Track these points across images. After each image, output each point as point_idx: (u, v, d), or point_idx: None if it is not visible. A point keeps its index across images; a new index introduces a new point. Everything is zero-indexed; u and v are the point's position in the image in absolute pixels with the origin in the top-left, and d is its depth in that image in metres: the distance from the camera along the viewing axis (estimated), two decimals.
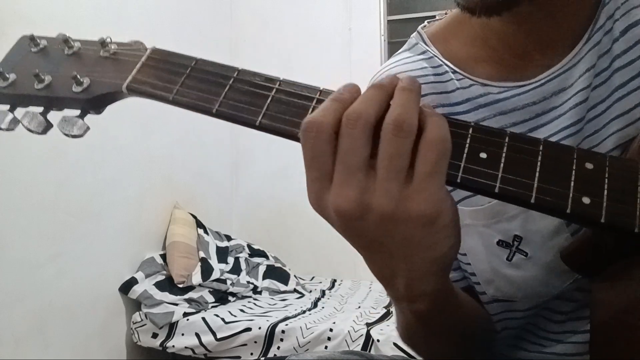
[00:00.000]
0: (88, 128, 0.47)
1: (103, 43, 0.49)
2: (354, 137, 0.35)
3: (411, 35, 0.64)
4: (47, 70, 0.48)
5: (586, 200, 0.35)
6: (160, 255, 2.39)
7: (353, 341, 1.93)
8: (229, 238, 2.76)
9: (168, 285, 2.24)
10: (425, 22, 0.65)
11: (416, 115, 0.35)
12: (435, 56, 0.60)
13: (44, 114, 0.48)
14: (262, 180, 3.13)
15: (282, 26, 3.11)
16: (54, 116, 0.48)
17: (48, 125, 0.48)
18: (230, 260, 2.58)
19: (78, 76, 0.47)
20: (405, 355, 0.73)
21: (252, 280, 2.57)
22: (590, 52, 0.53)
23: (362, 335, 1.93)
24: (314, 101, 0.40)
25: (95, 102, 0.47)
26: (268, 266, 2.70)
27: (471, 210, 0.54)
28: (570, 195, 0.35)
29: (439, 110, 0.57)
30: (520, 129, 0.54)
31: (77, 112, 0.47)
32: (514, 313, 0.56)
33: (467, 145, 0.37)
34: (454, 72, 0.58)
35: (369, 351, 1.85)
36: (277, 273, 2.68)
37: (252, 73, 0.43)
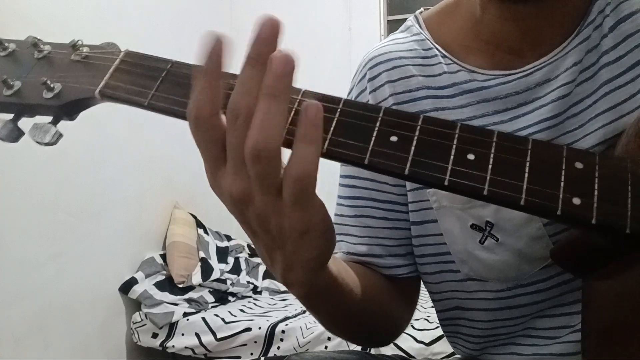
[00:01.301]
0: (61, 135, 0.44)
1: (74, 46, 0.46)
2: (237, 132, 0.35)
3: (408, 18, 0.65)
4: (16, 75, 0.46)
5: (577, 201, 0.35)
6: (160, 255, 2.39)
7: None
8: (229, 238, 2.76)
9: (168, 285, 2.24)
10: (422, 8, 0.66)
11: (279, 140, 0.34)
12: (427, 39, 0.61)
13: (14, 121, 0.46)
14: None
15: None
16: (26, 123, 0.46)
17: (20, 133, 0.46)
18: (230, 260, 2.58)
19: (48, 82, 0.44)
20: (404, 355, 0.73)
21: (252, 280, 2.57)
22: (578, 46, 0.53)
23: None
24: (296, 103, 0.39)
25: (68, 109, 0.45)
26: None
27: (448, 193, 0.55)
28: (561, 196, 0.35)
29: (422, 92, 0.58)
30: (501, 117, 0.55)
31: (49, 118, 0.45)
32: (487, 293, 0.58)
33: (454, 146, 0.36)
34: (444, 56, 0.59)
35: (369, 351, 1.85)
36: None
37: (232, 75, 0.41)
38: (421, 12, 0.65)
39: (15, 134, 0.46)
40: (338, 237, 0.64)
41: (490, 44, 0.57)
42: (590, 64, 0.53)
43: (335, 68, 2.87)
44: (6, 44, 0.48)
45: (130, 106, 0.43)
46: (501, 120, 0.55)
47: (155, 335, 2.10)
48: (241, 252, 2.70)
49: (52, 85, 0.45)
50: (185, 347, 2.06)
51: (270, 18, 0.35)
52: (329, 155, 0.37)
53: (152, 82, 0.42)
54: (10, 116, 0.46)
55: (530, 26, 0.54)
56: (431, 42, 0.60)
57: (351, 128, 0.37)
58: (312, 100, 0.35)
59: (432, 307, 0.66)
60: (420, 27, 0.63)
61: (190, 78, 0.40)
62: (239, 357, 2.02)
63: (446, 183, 0.36)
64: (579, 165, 0.36)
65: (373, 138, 0.37)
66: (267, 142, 0.33)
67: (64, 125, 0.46)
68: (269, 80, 0.34)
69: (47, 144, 0.44)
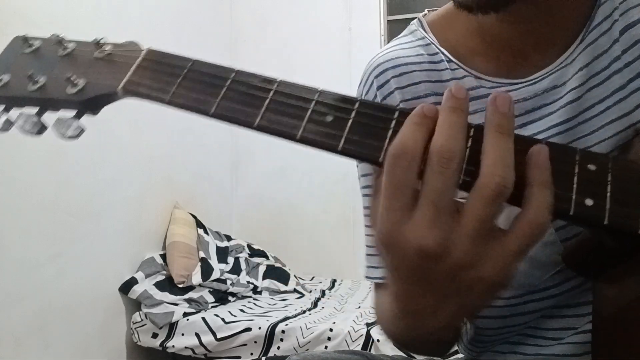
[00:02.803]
0: (83, 130, 0.46)
1: (97, 44, 0.48)
2: (446, 178, 0.33)
3: (411, 22, 0.64)
4: (41, 71, 0.48)
5: (589, 202, 0.35)
6: (160, 255, 2.39)
7: (353, 341, 1.93)
8: (229, 238, 2.76)
9: (168, 285, 2.24)
10: (426, 10, 0.65)
11: (513, 175, 0.33)
12: (433, 43, 0.60)
13: (38, 115, 0.47)
14: (262, 180, 3.13)
15: (282, 26, 3.11)
16: (50, 117, 0.48)
17: (43, 127, 0.47)
18: (230, 260, 2.58)
19: (72, 78, 0.46)
20: (405, 355, 0.73)
21: (252, 280, 2.57)
22: (584, 51, 0.53)
23: (362, 335, 1.93)
24: (313, 103, 0.40)
25: (91, 104, 0.46)
26: (268, 266, 2.70)
27: (459, 198, 0.55)
28: (573, 197, 0.35)
29: (431, 98, 0.58)
30: None
31: (73, 113, 0.47)
32: (497, 301, 0.57)
33: (468, 148, 0.36)
34: (449, 61, 0.58)
35: (369, 351, 1.85)
36: (277, 273, 2.68)
37: (250, 74, 0.42)
38: (425, 15, 0.64)
39: (39, 128, 0.47)
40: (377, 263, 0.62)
41: (493, 47, 0.56)
42: (601, 68, 0.52)
43: (335, 68, 2.87)
44: (31, 41, 0.50)
45: (151, 102, 0.44)
46: None
47: (155, 335, 2.10)
48: (241, 252, 2.70)
49: (75, 81, 0.46)
50: (185, 347, 2.06)
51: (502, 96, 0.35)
52: (344, 152, 0.37)
53: (173, 79, 0.43)
54: (34, 110, 0.48)
55: (530, 28, 0.54)
56: (436, 47, 0.60)
57: (367, 127, 0.38)
58: (542, 145, 0.35)
59: None
60: (425, 30, 0.62)
61: (210, 76, 0.42)
62: (239, 357, 2.02)
63: (460, 181, 0.36)
64: (591, 167, 0.36)
65: (387, 139, 0.37)
66: (507, 180, 0.33)
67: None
68: (500, 119, 0.34)
69: (70, 138, 0.46)
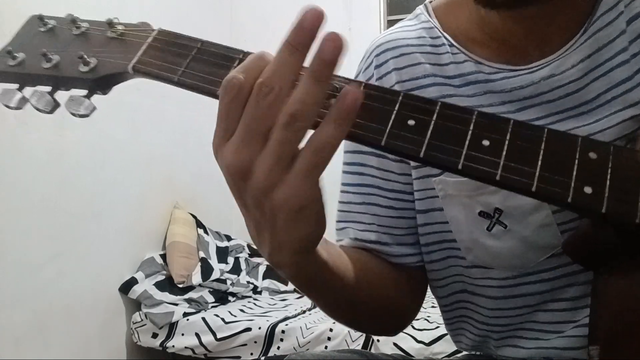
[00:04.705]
0: (95, 108, 0.47)
1: (110, 24, 0.49)
2: (261, 107, 0.36)
3: (417, 7, 0.65)
4: (55, 50, 0.48)
5: (588, 190, 0.35)
6: (160, 255, 2.39)
7: (353, 341, 1.93)
8: (229, 238, 2.76)
9: (168, 285, 2.24)
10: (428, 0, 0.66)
11: (314, 115, 0.36)
12: (436, 27, 0.61)
13: (51, 93, 0.48)
14: None
15: (282, 26, 3.09)
16: (62, 96, 0.48)
17: (56, 105, 0.48)
18: (230, 260, 2.58)
19: (85, 56, 0.47)
20: (405, 355, 0.73)
21: (252, 280, 2.57)
22: (585, 43, 0.53)
23: (362, 334, 1.93)
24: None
25: (102, 82, 0.47)
26: (268, 266, 2.70)
27: (455, 181, 0.56)
28: (572, 184, 0.35)
29: (429, 80, 0.59)
30: (508, 108, 0.55)
31: (84, 92, 0.47)
32: (492, 281, 0.58)
33: (470, 132, 0.37)
34: (451, 45, 0.59)
35: (369, 350, 1.85)
36: (277, 273, 2.67)
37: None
38: (430, 2, 0.65)
39: (52, 105, 0.48)
40: (344, 224, 0.64)
41: (494, 40, 0.57)
42: (605, 59, 0.52)
43: (335, 68, 2.87)
44: (47, 20, 0.51)
45: (160, 82, 0.45)
46: (508, 111, 0.55)
47: (155, 335, 2.10)
48: (241, 252, 2.70)
49: (88, 60, 0.47)
50: (185, 347, 2.06)
51: (314, 9, 0.35)
52: (348, 136, 0.37)
53: (182, 60, 0.44)
54: (48, 88, 0.48)
55: (533, 27, 0.54)
56: (439, 31, 0.60)
57: (370, 110, 0.38)
58: (353, 87, 0.36)
59: (433, 307, 0.66)
60: (429, 15, 0.63)
61: (218, 57, 0.43)
62: (239, 357, 2.02)
63: (460, 167, 0.36)
64: (592, 155, 0.36)
65: (391, 121, 0.37)
66: (305, 114, 0.35)
67: (68, 119, 0.47)
68: (316, 65, 0.35)
69: (81, 116, 0.47)
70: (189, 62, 0.44)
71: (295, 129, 0.35)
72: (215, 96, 0.41)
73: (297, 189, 0.36)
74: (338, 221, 0.66)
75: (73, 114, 0.47)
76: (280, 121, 0.35)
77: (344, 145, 0.66)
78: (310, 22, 0.35)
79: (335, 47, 0.35)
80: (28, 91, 0.48)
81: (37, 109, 0.48)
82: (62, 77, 0.47)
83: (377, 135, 0.37)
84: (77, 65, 0.47)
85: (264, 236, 0.39)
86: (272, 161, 0.35)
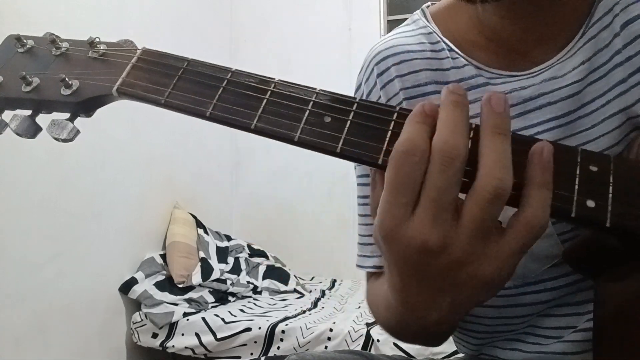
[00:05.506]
0: (78, 132, 0.45)
1: (92, 43, 0.47)
2: (449, 176, 0.33)
3: (414, 12, 0.64)
4: (35, 71, 0.46)
5: (591, 203, 0.35)
6: (160, 255, 2.39)
7: (353, 341, 1.93)
8: (229, 238, 2.76)
9: (168, 285, 2.24)
10: (429, 2, 0.65)
11: (511, 180, 0.33)
12: (434, 32, 0.60)
13: (32, 117, 0.46)
14: (262, 181, 3.13)
15: (282, 26, 3.11)
16: (44, 119, 0.46)
17: (37, 129, 0.46)
18: (230, 260, 2.58)
19: (67, 78, 0.45)
20: (405, 355, 0.73)
21: (252, 280, 2.57)
22: (585, 46, 0.53)
23: (362, 335, 1.93)
24: (311, 104, 0.39)
25: (85, 105, 0.45)
26: (268, 266, 2.70)
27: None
28: (575, 198, 0.35)
29: (431, 87, 0.58)
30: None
31: (67, 115, 0.45)
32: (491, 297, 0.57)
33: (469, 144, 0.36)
34: (450, 50, 0.59)
35: (369, 351, 1.85)
36: (277, 273, 2.68)
37: (246, 74, 0.41)
38: (428, 7, 0.64)
39: (33, 130, 0.46)
40: (367, 257, 0.63)
41: (492, 41, 0.57)
42: (602, 62, 0.52)
43: (335, 68, 2.87)
44: (25, 40, 0.48)
45: (147, 104, 0.43)
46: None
47: (155, 335, 2.10)
48: (241, 252, 2.70)
49: (70, 82, 0.45)
50: (185, 347, 2.06)
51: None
52: (342, 155, 0.37)
53: (169, 80, 0.42)
54: (28, 112, 0.46)
55: (530, 26, 0.54)
56: (438, 36, 0.60)
57: (365, 129, 0.38)
58: (545, 142, 0.35)
59: None
60: (427, 20, 0.62)
61: (206, 76, 0.41)
62: (239, 357, 2.02)
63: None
64: (593, 167, 0.36)
65: (387, 139, 0.37)
66: (505, 182, 0.33)
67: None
68: (495, 119, 0.34)
69: (64, 140, 0.45)
70: (176, 82, 0.42)
71: (501, 202, 0.33)
72: (204, 118, 0.40)
73: (502, 268, 0.34)
74: (360, 254, 0.65)
75: (56, 139, 0.44)
76: (485, 199, 0.33)
77: (356, 176, 0.66)
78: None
79: (500, 96, 0.34)
80: (8, 115, 0.46)
81: (18, 134, 0.46)
82: (43, 101, 0.45)
83: (374, 154, 0.37)
84: (58, 88, 0.45)
85: (440, 302, 0.37)
86: (470, 238, 0.33)
